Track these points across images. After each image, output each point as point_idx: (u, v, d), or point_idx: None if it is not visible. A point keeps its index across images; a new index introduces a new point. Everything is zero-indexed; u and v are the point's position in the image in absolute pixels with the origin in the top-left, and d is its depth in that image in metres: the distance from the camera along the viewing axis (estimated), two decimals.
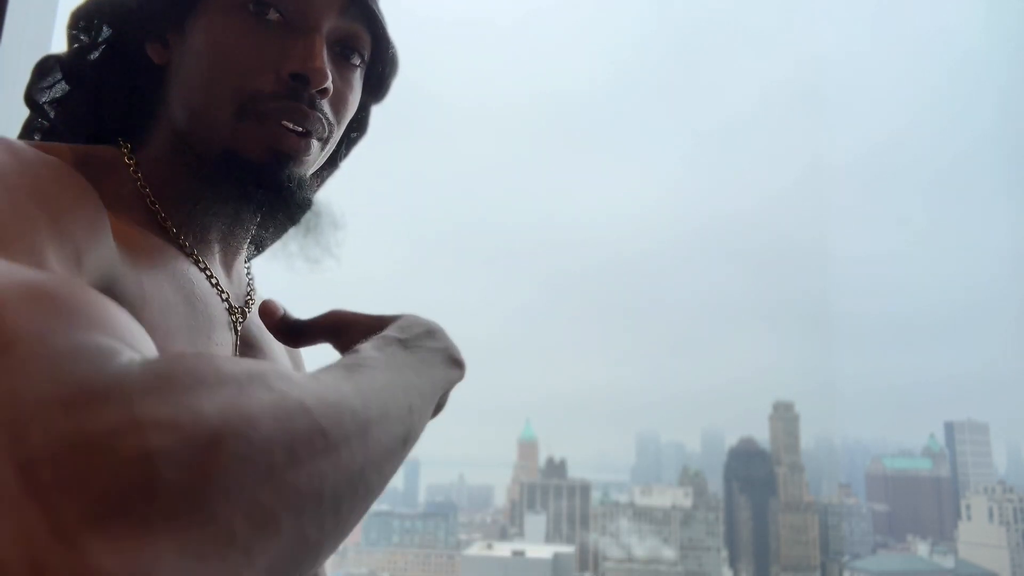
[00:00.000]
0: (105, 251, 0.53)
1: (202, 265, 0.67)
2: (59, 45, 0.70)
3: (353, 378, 0.43)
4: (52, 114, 0.71)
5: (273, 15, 0.63)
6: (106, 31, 0.70)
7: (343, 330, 0.59)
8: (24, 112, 0.70)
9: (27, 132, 0.72)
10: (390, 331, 0.56)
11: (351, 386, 0.41)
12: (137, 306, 0.55)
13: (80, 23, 0.70)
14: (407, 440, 0.46)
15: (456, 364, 0.59)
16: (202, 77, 0.64)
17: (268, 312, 0.60)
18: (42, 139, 0.71)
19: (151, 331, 0.54)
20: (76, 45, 0.70)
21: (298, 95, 0.63)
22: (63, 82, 0.71)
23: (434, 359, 0.56)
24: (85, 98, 0.70)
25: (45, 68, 0.71)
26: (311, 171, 0.69)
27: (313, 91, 0.63)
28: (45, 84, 0.71)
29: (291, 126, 0.63)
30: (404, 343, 0.55)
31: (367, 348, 0.51)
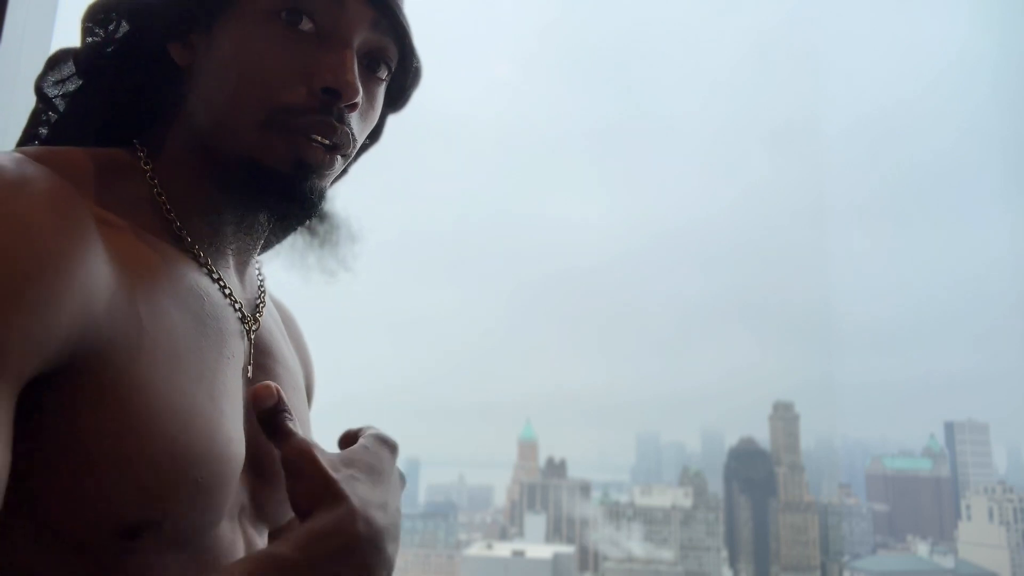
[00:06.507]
0: (73, 306, 0.50)
1: (215, 276, 0.66)
2: (59, 45, 0.68)
3: None
4: (61, 107, 0.69)
5: (306, 25, 0.62)
6: (124, 27, 0.67)
7: (292, 474, 0.54)
8: (25, 111, 0.69)
9: (33, 124, 0.70)
10: (286, 546, 0.49)
11: None
12: (133, 338, 0.54)
13: (97, 16, 0.68)
14: None
15: None
16: (230, 84, 0.62)
17: (260, 399, 0.57)
18: (48, 132, 0.70)
19: (153, 362, 0.54)
20: (90, 39, 0.68)
21: (328, 109, 0.62)
22: (75, 77, 0.69)
23: None
24: (97, 94, 0.68)
25: (57, 60, 0.69)
26: (330, 184, 0.68)
27: (343, 105, 0.63)
28: (56, 77, 0.69)
29: (319, 139, 0.63)
30: (294, 568, 0.48)
31: None
